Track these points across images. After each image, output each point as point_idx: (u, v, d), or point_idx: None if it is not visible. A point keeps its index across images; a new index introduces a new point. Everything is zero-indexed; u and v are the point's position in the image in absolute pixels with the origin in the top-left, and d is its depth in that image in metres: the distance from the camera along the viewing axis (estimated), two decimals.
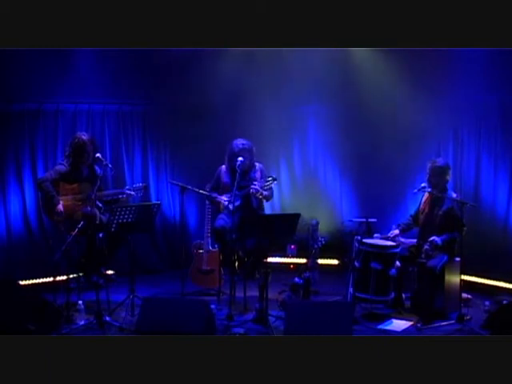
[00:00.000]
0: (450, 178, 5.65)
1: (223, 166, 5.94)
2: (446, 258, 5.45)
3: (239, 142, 5.75)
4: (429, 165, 5.60)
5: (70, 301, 5.20)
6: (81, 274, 5.94)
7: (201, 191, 6.03)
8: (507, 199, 6.50)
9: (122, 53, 6.35)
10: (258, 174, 5.81)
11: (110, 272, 6.45)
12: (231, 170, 5.79)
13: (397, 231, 5.71)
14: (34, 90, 6.60)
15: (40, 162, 6.80)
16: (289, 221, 5.17)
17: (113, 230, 5.21)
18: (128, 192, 5.93)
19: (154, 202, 6.81)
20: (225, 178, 5.89)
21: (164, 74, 6.98)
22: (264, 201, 5.85)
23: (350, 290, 5.54)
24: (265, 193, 5.64)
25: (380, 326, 5.24)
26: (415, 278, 5.70)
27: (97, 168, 5.94)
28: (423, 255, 5.41)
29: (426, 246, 5.39)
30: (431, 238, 5.39)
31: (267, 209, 6.10)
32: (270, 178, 5.58)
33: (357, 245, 5.59)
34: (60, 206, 5.68)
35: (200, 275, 6.15)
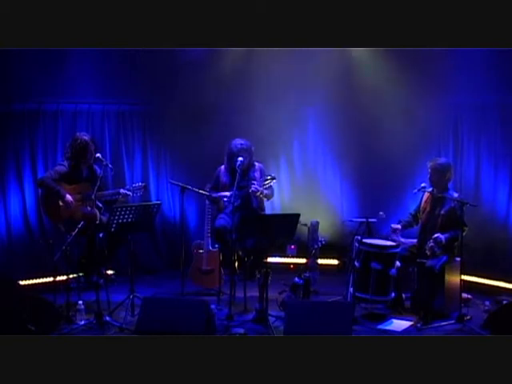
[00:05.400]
0: (451, 176, 5.67)
1: (222, 167, 5.94)
2: (445, 257, 5.45)
3: (237, 142, 5.74)
4: (430, 163, 5.62)
5: (70, 301, 5.19)
6: (81, 274, 5.95)
7: (201, 191, 6.03)
8: (507, 199, 6.51)
9: (122, 53, 6.36)
10: (257, 174, 5.80)
11: (109, 272, 6.45)
12: (230, 169, 5.79)
13: (398, 226, 5.71)
14: (34, 90, 6.61)
15: (40, 162, 6.81)
16: (289, 221, 5.17)
17: (113, 230, 5.20)
18: (123, 192, 5.91)
19: (154, 201, 6.80)
20: (223, 178, 5.88)
21: (164, 74, 6.97)
22: (265, 200, 5.85)
23: (350, 289, 5.55)
24: (265, 191, 5.64)
25: (380, 326, 5.24)
26: (415, 278, 5.70)
27: (97, 168, 5.95)
28: (428, 252, 5.39)
29: (430, 243, 5.38)
30: (435, 235, 5.39)
31: (267, 209, 6.08)
32: (268, 178, 5.57)
33: (357, 245, 5.59)
34: (68, 196, 5.67)
35: (200, 275, 6.15)
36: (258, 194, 5.58)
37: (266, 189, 5.61)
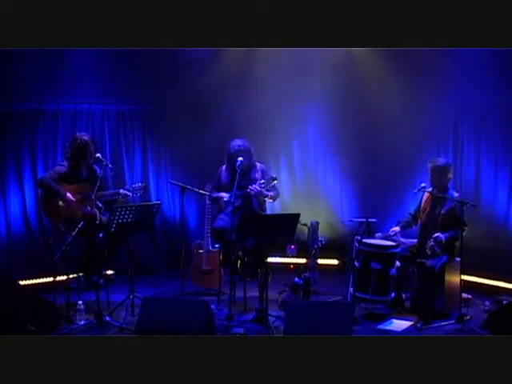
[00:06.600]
0: (451, 176, 5.67)
1: (223, 167, 5.96)
2: (445, 257, 5.45)
3: (236, 144, 5.77)
4: (429, 164, 5.63)
5: (70, 301, 5.20)
6: (81, 274, 5.95)
7: (201, 191, 6.03)
8: (507, 199, 6.51)
9: (122, 53, 6.37)
10: (258, 175, 5.82)
11: (109, 272, 6.45)
12: (230, 170, 5.82)
13: (397, 228, 5.72)
14: (34, 89, 6.61)
15: (40, 162, 6.81)
16: (289, 221, 5.17)
17: (113, 230, 5.20)
18: (123, 192, 5.91)
19: (154, 201, 6.80)
20: (224, 178, 5.90)
21: (164, 74, 6.98)
22: (271, 201, 5.86)
23: (350, 289, 5.55)
24: (270, 194, 5.66)
25: (380, 326, 5.24)
26: (415, 278, 5.70)
27: (97, 168, 5.95)
28: (428, 252, 5.39)
29: (431, 243, 5.38)
30: (435, 235, 5.39)
31: (268, 209, 6.09)
32: (271, 179, 5.56)
33: (357, 245, 5.59)
34: (69, 195, 5.67)
35: (200, 275, 6.15)
36: (259, 195, 5.60)
37: (269, 190, 5.62)
